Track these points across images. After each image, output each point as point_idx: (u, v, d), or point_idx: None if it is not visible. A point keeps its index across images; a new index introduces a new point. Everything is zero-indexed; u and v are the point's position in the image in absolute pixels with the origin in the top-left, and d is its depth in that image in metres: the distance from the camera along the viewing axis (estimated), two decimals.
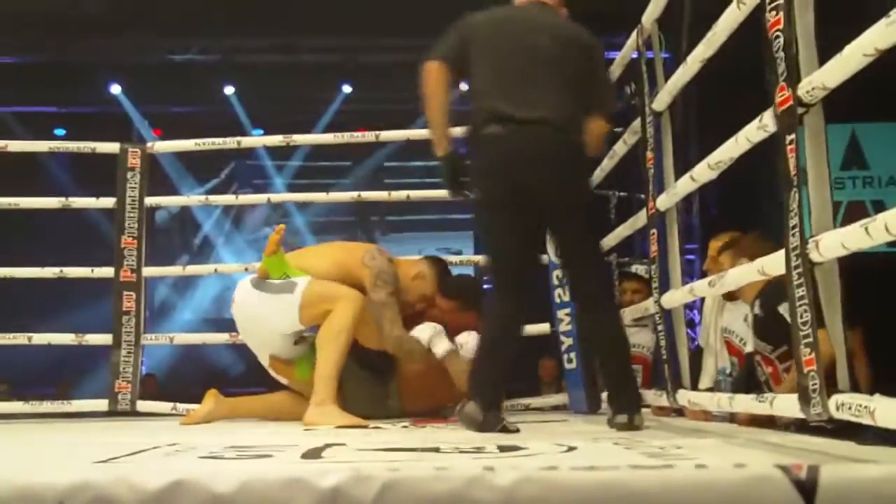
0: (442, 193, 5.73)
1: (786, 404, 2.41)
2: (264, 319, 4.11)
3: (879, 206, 8.83)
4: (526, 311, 3.50)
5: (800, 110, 2.24)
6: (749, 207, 8.48)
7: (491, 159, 3.38)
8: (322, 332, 3.94)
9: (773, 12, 2.32)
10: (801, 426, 3.16)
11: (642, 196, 4.24)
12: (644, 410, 4.67)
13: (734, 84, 6.33)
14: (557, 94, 3.39)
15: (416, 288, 4.25)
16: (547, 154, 3.34)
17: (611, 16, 6.19)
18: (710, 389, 4.11)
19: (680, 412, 4.22)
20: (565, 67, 3.43)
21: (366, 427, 3.65)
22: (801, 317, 2.27)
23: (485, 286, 3.83)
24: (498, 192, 3.35)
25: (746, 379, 3.99)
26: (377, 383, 4.27)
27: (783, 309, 3.54)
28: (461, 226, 12.00)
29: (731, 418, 3.98)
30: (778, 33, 2.30)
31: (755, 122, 2.53)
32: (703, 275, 4.11)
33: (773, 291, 3.48)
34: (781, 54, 2.29)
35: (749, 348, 4.12)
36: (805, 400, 2.27)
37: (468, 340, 4.08)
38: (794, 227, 2.27)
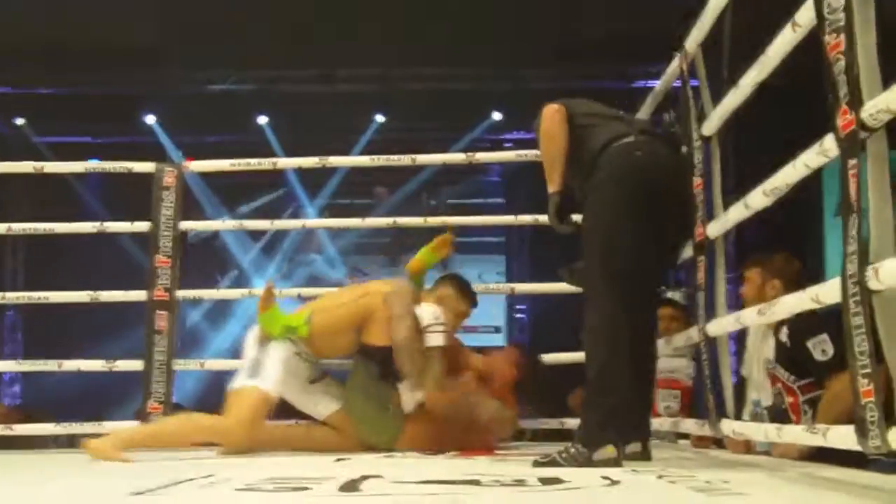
0: (474, 220, 5.75)
1: (841, 437, 2.32)
2: None
3: None
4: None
5: (863, 134, 2.16)
6: (785, 237, 8.39)
7: (646, 165, 3.44)
8: None
9: (834, 35, 2.26)
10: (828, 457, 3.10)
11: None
12: (682, 441, 4.63)
13: (774, 107, 6.28)
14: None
15: (449, 309, 4.28)
16: (687, 175, 3.62)
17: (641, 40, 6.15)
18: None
19: (720, 443, 4.15)
20: None
21: None
22: (859, 346, 2.19)
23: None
24: (640, 198, 3.37)
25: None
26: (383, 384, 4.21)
27: (811, 344, 3.49)
28: (494, 250, 11.93)
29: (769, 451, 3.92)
30: (839, 56, 2.24)
31: (815, 147, 2.46)
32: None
33: (802, 322, 3.42)
34: (843, 77, 2.22)
35: None
36: (862, 432, 2.18)
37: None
38: (852, 254, 2.20)
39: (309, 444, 4.19)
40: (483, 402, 4.27)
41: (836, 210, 9.49)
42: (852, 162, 2.21)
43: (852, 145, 2.21)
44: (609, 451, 3.10)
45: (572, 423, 4.65)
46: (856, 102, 2.18)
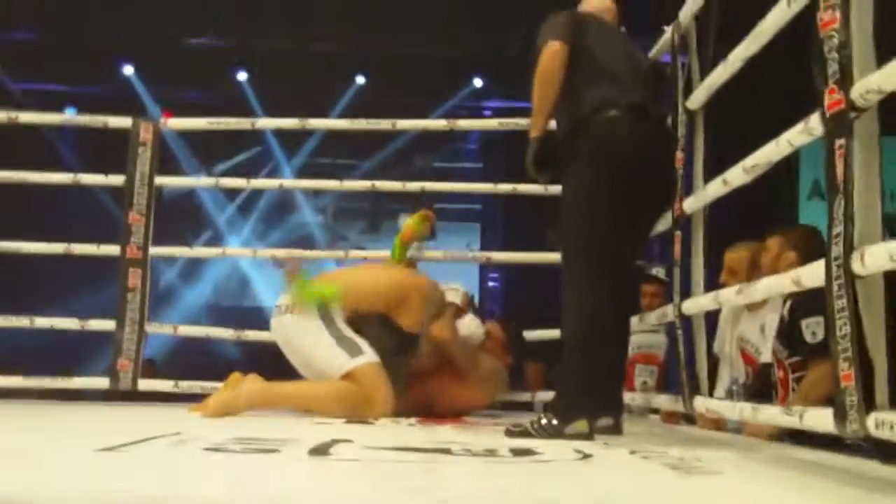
0: (453, 187, 5.71)
1: (818, 420, 2.31)
2: (310, 358, 4.07)
3: None
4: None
5: (852, 114, 2.13)
6: (762, 220, 8.40)
7: (627, 147, 3.35)
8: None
9: (830, 11, 2.22)
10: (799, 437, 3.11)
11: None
12: (652, 416, 4.63)
13: (760, 85, 6.26)
14: (652, 97, 3.53)
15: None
16: (671, 152, 3.57)
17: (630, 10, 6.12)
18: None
19: (690, 419, 4.15)
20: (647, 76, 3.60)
21: None
22: (840, 330, 2.17)
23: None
24: (623, 178, 3.30)
25: (759, 386, 3.93)
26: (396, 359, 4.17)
27: (805, 324, 3.47)
28: (469, 217, 11.90)
29: (741, 428, 3.93)
30: (832, 33, 2.20)
31: (800, 125, 2.42)
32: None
33: (804, 301, 3.40)
34: (835, 55, 2.19)
35: (764, 358, 4.05)
36: (840, 416, 2.17)
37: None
38: (837, 236, 2.17)
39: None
40: (484, 357, 4.42)
41: (811, 192, 9.60)
42: (839, 142, 2.18)
43: (839, 125, 2.18)
44: (581, 425, 3.08)
45: (543, 396, 4.66)
46: (846, 81, 2.15)
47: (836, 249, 2.17)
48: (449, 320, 4.26)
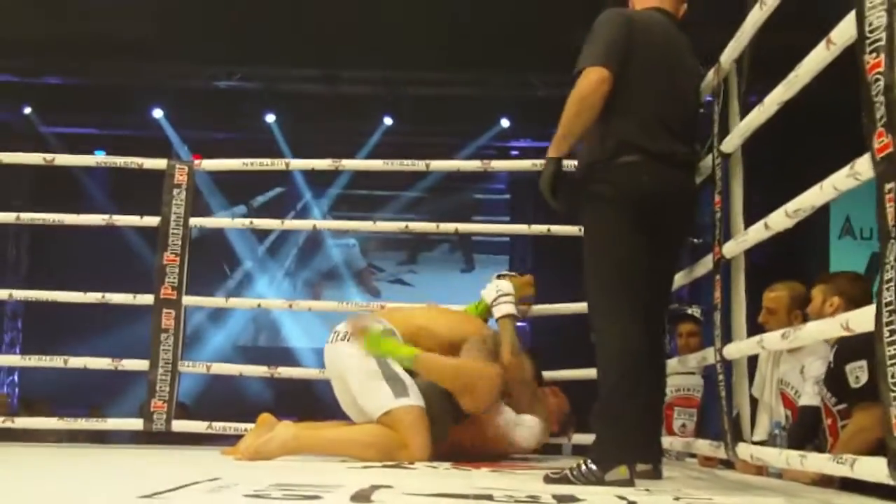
0: (485, 228, 5.68)
1: (871, 468, 2.26)
2: (356, 390, 4.03)
3: None
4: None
5: None
6: (794, 260, 8.35)
7: (648, 193, 3.27)
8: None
9: (874, 54, 2.20)
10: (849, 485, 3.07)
11: (695, 240, 4.16)
12: (690, 460, 4.58)
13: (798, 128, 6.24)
14: (688, 133, 3.44)
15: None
16: (690, 200, 3.46)
17: None
18: (763, 443, 3.98)
19: (728, 463, 4.10)
20: (691, 104, 3.51)
21: None
22: (893, 376, 2.13)
23: None
24: (642, 222, 3.26)
25: (805, 432, 3.88)
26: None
27: (850, 369, 3.43)
28: (498, 250, 11.91)
29: (780, 472, 3.88)
30: (878, 76, 2.18)
31: (845, 170, 2.40)
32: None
33: (848, 345, 3.36)
34: (881, 98, 2.17)
35: (802, 401, 4.01)
36: (894, 465, 2.12)
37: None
38: (888, 281, 2.14)
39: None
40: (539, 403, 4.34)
41: (842, 231, 9.54)
42: (889, 186, 2.15)
43: (889, 168, 2.16)
44: (622, 471, 3.04)
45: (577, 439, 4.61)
46: (894, 125, 2.13)
47: (889, 295, 2.13)
48: (524, 357, 4.24)
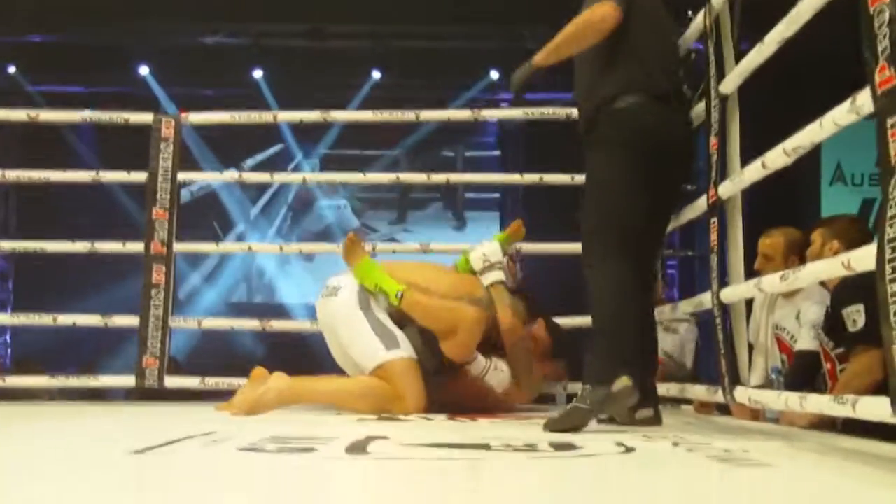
0: (477, 177, 5.63)
1: (873, 408, 2.22)
2: (348, 344, 4.03)
3: None
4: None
5: None
6: (785, 207, 8.30)
7: (654, 136, 3.37)
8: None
9: None
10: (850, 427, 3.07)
11: (688, 187, 4.11)
12: (685, 406, 4.56)
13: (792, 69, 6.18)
14: (679, 77, 3.58)
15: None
16: (690, 144, 3.57)
17: None
18: (760, 388, 3.96)
19: (723, 409, 4.08)
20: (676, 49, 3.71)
21: None
22: (894, 315, 2.09)
23: None
24: (645, 163, 3.33)
25: (803, 376, 3.86)
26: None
27: (846, 313, 3.42)
28: (488, 206, 11.88)
29: (777, 417, 3.87)
30: (882, 7, 2.12)
31: (846, 104, 2.34)
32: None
33: (844, 290, 3.34)
34: (885, 30, 2.11)
35: (799, 346, 3.99)
36: None
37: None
38: (892, 217, 2.09)
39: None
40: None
41: (833, 177, 9.50)
42: (891, 121, 2.10)
43: (891, 104, 2.10)
44: (624, 380, 3.03)
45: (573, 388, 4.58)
46: None
47: (892, 231, 2.08)
48: (519, 315, 4.18)
